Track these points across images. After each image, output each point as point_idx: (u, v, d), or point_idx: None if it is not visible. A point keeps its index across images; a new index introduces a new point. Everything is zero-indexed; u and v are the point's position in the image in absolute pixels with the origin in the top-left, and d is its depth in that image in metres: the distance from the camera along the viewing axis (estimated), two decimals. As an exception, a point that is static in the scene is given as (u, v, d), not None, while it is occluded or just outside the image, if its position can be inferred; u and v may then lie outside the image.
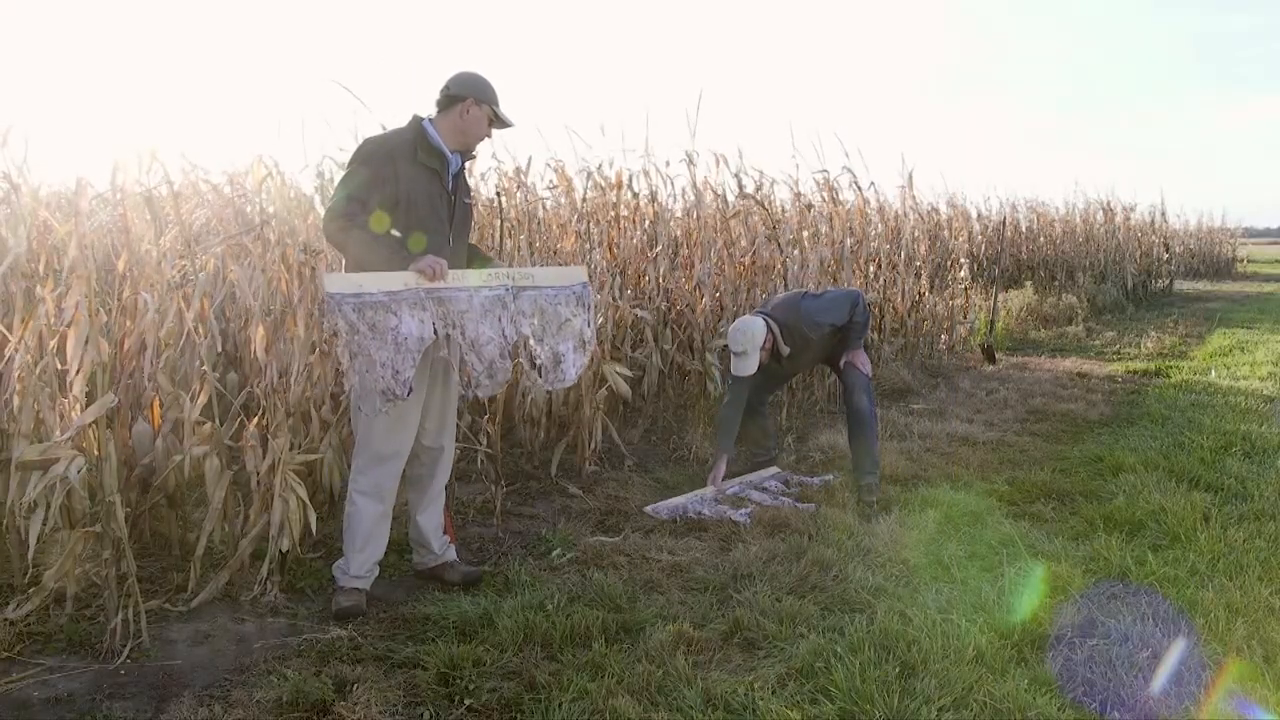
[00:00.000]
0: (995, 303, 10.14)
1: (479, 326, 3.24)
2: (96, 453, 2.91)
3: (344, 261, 3.41)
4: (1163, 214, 18.78)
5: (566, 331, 3.43)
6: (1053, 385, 7.83)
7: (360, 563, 3.34)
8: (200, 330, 3.50)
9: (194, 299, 3.52)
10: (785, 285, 6.25)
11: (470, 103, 3.33)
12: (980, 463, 5.27)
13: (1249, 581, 3.41)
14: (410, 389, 3.11)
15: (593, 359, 4.87)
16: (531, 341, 3.36)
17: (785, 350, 4.69)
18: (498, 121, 3.41)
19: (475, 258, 3.57)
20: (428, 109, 3.40)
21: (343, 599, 3.28)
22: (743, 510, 4.33)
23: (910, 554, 3.75)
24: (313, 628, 3.15)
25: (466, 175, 3.58)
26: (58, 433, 3.01)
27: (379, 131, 3.58)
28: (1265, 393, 7.19)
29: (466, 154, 3.47)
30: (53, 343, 3.09)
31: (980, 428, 6.15)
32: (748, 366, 4.58)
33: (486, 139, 3.45)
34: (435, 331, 3.16)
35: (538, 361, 3.39)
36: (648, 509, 4.39)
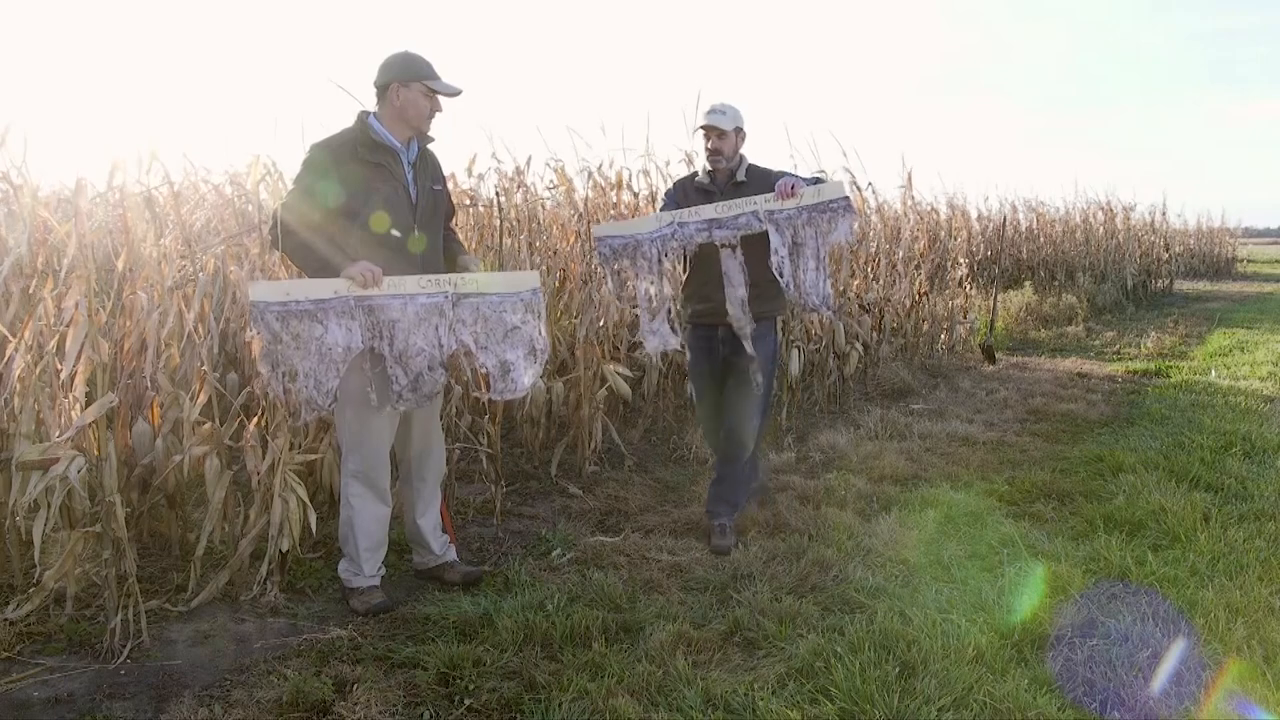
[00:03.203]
0: (995, 303, 10.14)
1: (410, 336, 3.14)
2: (96, 453, 2.91)
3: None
4: (1163, 214, 18.80)
5: (514, 339, 3.29)
6: (1053, 385, 7.83)
7: (374, 563, 3.36)
8: (200, 330, 3.50)
9: (194, 299, 3.52)
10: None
11: (396, 87, 3.22)
12: (980, 463, 5.27)
13: (1249, 581, 3.41)
14: (334, 399, 3.08)
15: (593, 359, 4.88)
16: (474, 349, 3.25)
17: (742, 178, 3.93)
18: (435, 93, 3.26)
19: (451, 246, 3.52)
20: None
21: (369, 597, 3.30)
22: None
23: (910, 554, 3.75)
24: (313, 628, 3.15)
25: (437, 161, 3.47)
26: (57, 433, 3.01)
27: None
28: (1265, 393, 7.19)
29: (422, 138, 3.35)
30: (52, 342, 3.10)
31: (980, 428, 6.15)
32: (715, 119, 3.87)
33: (437, 113, 3.31)
34: (363, 341, 3.10)
35: (482, 370, 3.28)
36: (596, 232, 3.84)
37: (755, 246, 3.72)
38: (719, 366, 4.02)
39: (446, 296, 3.20)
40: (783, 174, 3.90)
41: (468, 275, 3.30)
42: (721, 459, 4.12)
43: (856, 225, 3.88)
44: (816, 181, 3.85)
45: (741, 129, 3.95)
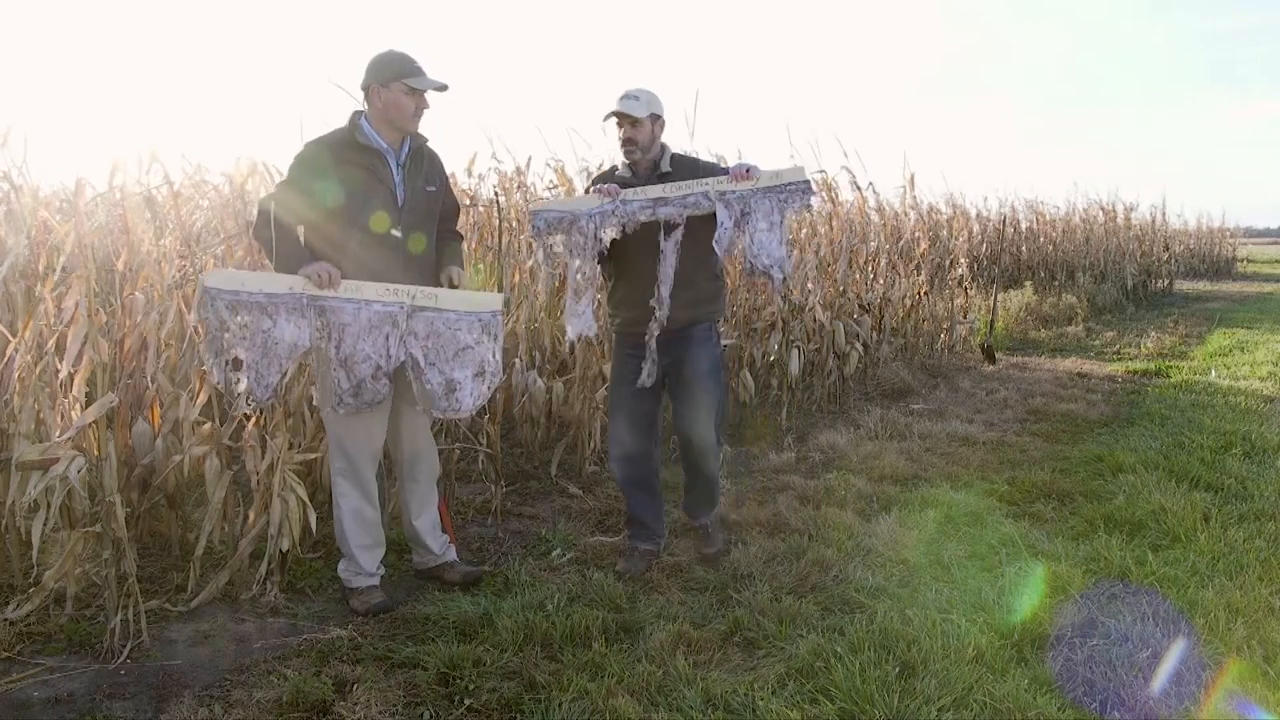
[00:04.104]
0: (995, 303, 10.14)
1: (358, 342, 3.10)
2: (96, 453, 2.91)
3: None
4: (1163, 214, 18.82)
5: (465, 358, 3.23)
6: (1053, 385, 7.83)
7: (371, 562, 3.36)
8: (200, 330, 3.50)
9: (194, 299, 3.52)
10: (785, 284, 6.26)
11: (375, 89, 3.19)
12: (980, 463, 5.27)
13: (1249, 581, 3.41)
14: (271, 393, 3.07)
15: (593, 359, 4.87)
16: (422, 364, 3.19)
17: (667, 168, 3.63)
18: (416, 91, 3.19)
19: (444, 251, 3.47)
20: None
21: (368, 597, 3.30)
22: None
23: (910, 554, 3.75)
24: (313, 628, 3.15)
25: (435, 161, 3.43)
26: (57, 433, 3.01)
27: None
28: (1265, 393, 7.19)
29: (414, 137, 3.31)
30: (52, 342, 3.10)
31: (980, 428, 6.16)
32: (626, 106, 3.52)
33: (424, 110, 3.26)
34: (310, 341, 3.08)
35: (428, 386, 3.21)
36: (534, 207, 3.64)
37: (694, 245, 3.51)
38: (654, 384, 3.66)
39: (402, 307, 3.15)
40: (711, 166, 3.72)
41: (429, 289, 3.24)
42: (687, 471, 3.86)
43: (816, 201, 3.69)
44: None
45: (658, 115, 3.60)
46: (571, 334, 3.62)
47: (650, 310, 3.52)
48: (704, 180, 3.51)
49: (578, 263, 3.51)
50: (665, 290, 3.50)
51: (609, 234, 3.50)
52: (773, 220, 3.47)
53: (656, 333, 3.52)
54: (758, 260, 3.49)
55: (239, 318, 2.99)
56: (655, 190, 3.50)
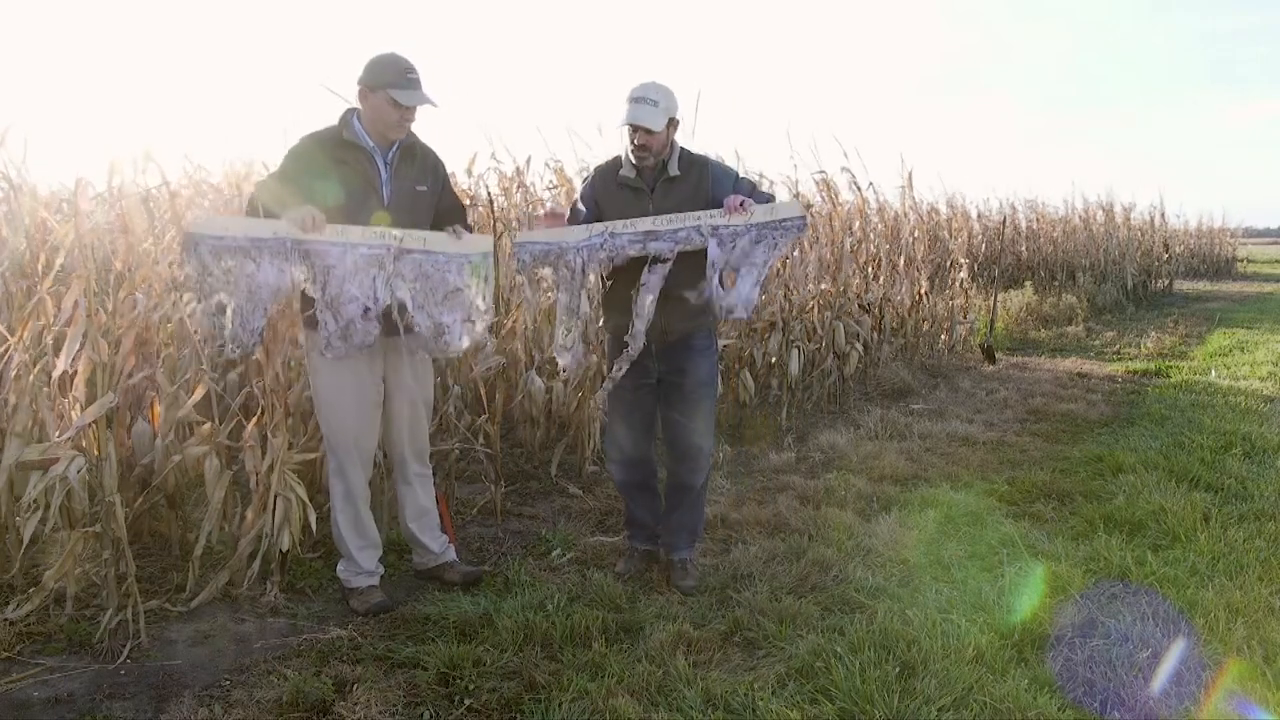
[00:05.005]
0: (995, 303, 10.14)
1: (344, 284, 3.06)
2: (96, 453, 2.91)
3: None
4: (1162, 214, 18.82)
5: (454, 301, 3.21)
6: (1053, 385, 7.83)
7: (369, 561, 3.37)
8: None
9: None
10: (785, 284, 6.26)
11: (363, 91, 3.17)
12: (980, 463, 5.27)
13: (1249, 581, 3.42)
14: (259, 339, 3.02)
15: (594, 360, 4.87)
16: (410, 307, 3.16)
17: (675, 171, 3.45)
18: (397, 104, 3.13)
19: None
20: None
21: (368, 597, 3.30)
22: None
23: (910, 554, 3.75)
24: (313, 628, 3.15)
25: (429, 160, 3.38)
26: (57, 433, 3.01)
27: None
28: (1265, 393, 7.20)
29: (402, 140, 3.25)
30: (51, 342, 3.09)
31: (980, 428, 6.16)
32: (643, 115, 3.31)
33: (410, 121, 3.21)
34: (294, 284, 3.04)
35: (415, 329, 3.18)
36: (518, 239, 3.54)
37: (691, 255, 3.38)
38: (648, 388, 3.56)
39: (389, 249, 3.13)
40: (724, 165, 3.58)
41: (416, 232, 3.19)
42: (673, 491, 3.66)
43: (819, 200, 3.61)
44: (768, 199, 3.51)
45: (674, 119, 3.40)
46: (562, 365, 3.56)
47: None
48: (696, 215, 3.38)
49: (565, 298, 3.43)
50: (641, 325, 3.36)
51: (595, 269, 3.44)
52: (758, 279, 3.39)
53: (626, 368, 3.43)
54: (724, 301, 3.39)
55: (222, 263, 2.94)
56: (646, 223, 3.38)
